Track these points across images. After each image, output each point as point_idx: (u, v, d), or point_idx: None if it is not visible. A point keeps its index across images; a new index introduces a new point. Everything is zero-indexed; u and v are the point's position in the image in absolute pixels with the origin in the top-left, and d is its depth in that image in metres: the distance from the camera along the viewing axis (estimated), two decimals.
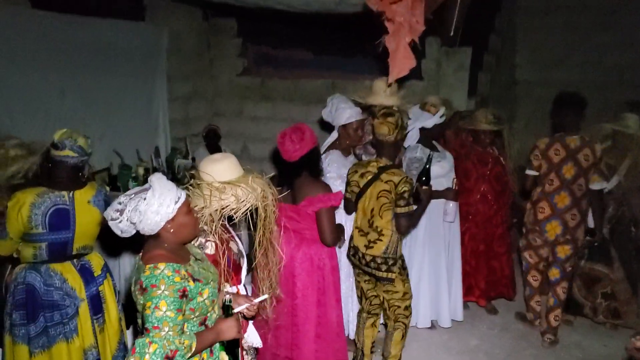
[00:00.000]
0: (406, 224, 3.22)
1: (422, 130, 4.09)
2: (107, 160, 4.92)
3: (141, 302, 1.98)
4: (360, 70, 6.18)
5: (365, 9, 3.41)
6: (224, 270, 2.46)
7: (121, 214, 2.02)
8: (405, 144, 4.02)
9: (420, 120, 4.07)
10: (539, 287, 4.37)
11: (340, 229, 3.37)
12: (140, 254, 2.12)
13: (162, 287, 1.92)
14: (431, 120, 4.03)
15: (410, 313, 3.48)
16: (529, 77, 7.32)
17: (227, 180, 2.46)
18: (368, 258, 3.33)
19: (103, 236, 3.15)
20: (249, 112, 6.76)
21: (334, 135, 3.90)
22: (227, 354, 2.28)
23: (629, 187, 4.18)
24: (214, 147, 5.79)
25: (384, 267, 3.29)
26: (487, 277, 4.53)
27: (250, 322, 2.69)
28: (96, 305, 3.08)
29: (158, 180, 2.06)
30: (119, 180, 4.75)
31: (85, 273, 3.05)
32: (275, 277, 2.77)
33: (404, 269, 3.38)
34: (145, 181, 4.76)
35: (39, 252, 2.89)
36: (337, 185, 3.60)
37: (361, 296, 3.60)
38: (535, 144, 4.10)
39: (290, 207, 3.17)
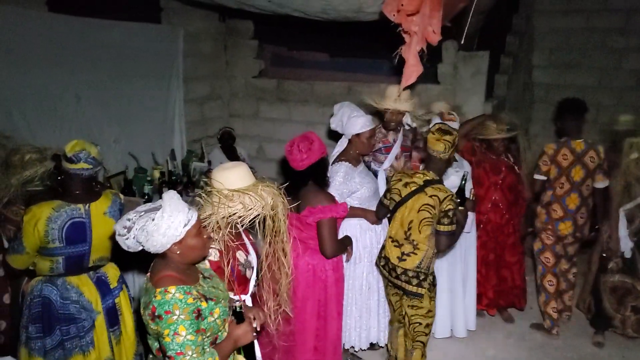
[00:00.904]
0: (447, 242, 3.17)
1: None
2: (122, 164, 4.94)
3: (153, 327, 1.97)
4: (377, 73, 6.18)
5: (383, 17, 3.40)
6: (226, 280, 2.46)
7: (128, 231, 1.99)
8: None
9: None
10: (555, 293, 4.37)
11: (345, 242, 3.35)
12: (149, 274, 2.11)
13: (177, 312, 1.92)
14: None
15: (430, 332, 3.42)
16: (546, 79, 7.24)
17: (236, 188, 2.47)
18: (399, 270, 3.26)
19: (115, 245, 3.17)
20: (264, 113, 6.76)
21: (343, 144, 3.74)
22: (246, 358, 2.32)
23: None
24: (229, 149, 5.80)
25: (414, 282, 3.23)
26: (497, 286, 4.50)
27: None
28: (112, 317, 3.10)
29: (169, 200, 2.02)
30: (135, 184, 4.77)
31: (102, 285, 3.06)
32: (284, 292, 2.75)
33: (433, 285, 3.31)
34: (160, 185, 4.81)
35: (55, 266, 2.90)
36: (345, 197, 3.53)
37: (389, 306, 3.59)
38: (543, 150, 4.26)
39: (296, 215, 3.16)
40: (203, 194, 2.51)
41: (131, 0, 5.38)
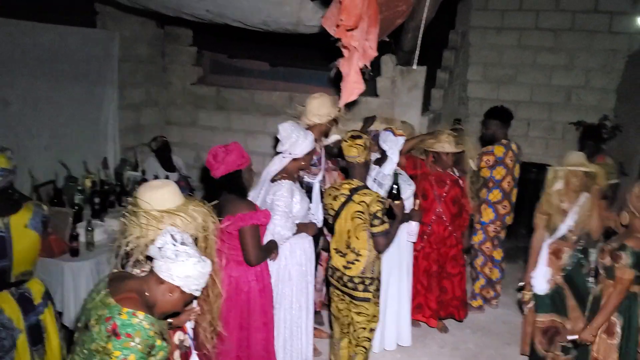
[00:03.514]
0: (384, 242, 3.25)
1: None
2: (52, 172, 4.73)
3: (102, 343, 1.87)
4: (318, 84, 6.18)
5: (323, 31, 3.41)
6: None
7: (173, 245, 2.02)
8: (387, 172, 4.05)
9: (397, 146, 4.09)
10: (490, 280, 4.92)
11: (270, 246, 3.34)
12: (108, 288, 2.02)
13: (137, 340, 1.85)
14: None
15: (373, 337, 3.49)
16: (480, 94, 7.46)
17: (166, 209, 2.37)
18: (346, 278, 3.36)
19: None
20: (203, 121, 6.66)
21: (281, 162, 3.59)
22: None
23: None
24: (165, 159, 5.64)
25: (361, 287, 3.32)
26: (438, 298, 4.58)
27: (194, 352, 2.64)
28: (36, 335, 2.96)
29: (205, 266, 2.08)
30: (65, 194, 4.59)
31: (25, 302, 2.92)
32: (216, 312, 2.69)
33: (377, 290, 3.40)
34: (92, 195, 4.63)
35: None
36: (290, 218, 3.49)
37: (333, 320, 3.62)
38: (491, 152, 4.83)
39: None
40: (129, 215, 2.37)
41: (65, 4, 5.19)
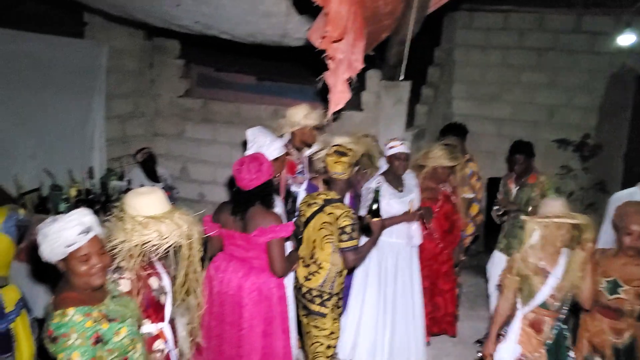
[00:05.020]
0: (353, 257, 3.23)
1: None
2: (37, 181, 4.74)
3: (52, 350, 1.90)
4: (303, 98, 6.22)
5: (309, 44, 3.47)
6: (140, 309, 2.40)
7: (38, 233, 1.98)
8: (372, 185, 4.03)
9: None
10: None
11: (293, 258, 3.40)
12: (53, 296, 2.05)
13: (74, 337, 1.86)
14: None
15: (333, 355, 3.44)
16: (465, 111, 7.53)
17: (152, 215, 2.41)
18: (304, 289, 3.35)
19: None
20: (189, 133, 6.68)
21: None
22: None
23: None
24: (150, 170, 5.65)
25: (317, 301, 3.31)
26: (431, 314, 4.54)
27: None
28: (5, 343, 2.93)
29: (69, 216, 2.00)
30: (50, 202, 4.60)
31: None
32: (196, 321, 2.71)
33: (337, 307, 3.37)
34: (77, 203, 4.64)
35: None
36: None
37: (301, 333, 3.58)
38: (472, 171, 4.86)
39: (241, 235, 3.17)
40: (114, 220, 2.42)
41: (53, 14, 5.22)
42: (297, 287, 3.43)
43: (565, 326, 3.15)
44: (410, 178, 4.23)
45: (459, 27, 7.47)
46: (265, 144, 3.61)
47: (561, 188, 6.77)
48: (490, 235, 4.99)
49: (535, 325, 3.10)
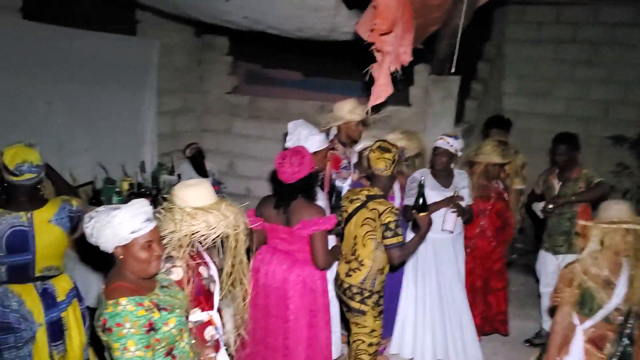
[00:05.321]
0: (398, 254, 3.18)
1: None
2: (91, 174, 4.89)
3: (104, 339, 1.94)
4: (350, 94, 6.21)
5: (357, 37, 3.46)
6: (190, 298, 2.44)
7: (90, 220, 2.02)
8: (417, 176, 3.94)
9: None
10: None
11: (335, 251, 3.39)
12: (104, 285, 2.09)
13: (128, 325, 1.89)
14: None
15: (375, 352, 3.40)
16: (515, 107, 7.37)
17: (200, 206, 2.45)
18: (345, 286, 3.33)
19: None
20: (237, 129, 6.77)
21: None
22: None
23: None
24: (198, 165, 5.75)
25: (357, 298, 3.28)
26: (483, 313, 4.47)
27: (223, 348, 2.68)
28: (56, 331, 2.99)
29: (133, 204, 2.04)
30: (103, 195, 4.72)
31: (47, 297, 2.96)
32: (242, 311, 2.74)
33: (378, 305, 3.33)
34: (129, 197, 4.76)
35: None
36: None
37: (348, 331, 3.57)
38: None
39: (284, 229, 3.19)
40: (164, 211, 2.47)
41: (107, 12, 5.36)
42: (338, 284, 3.41)
43: (628, 342, 2.82)
44: (461, 178, 4.12)
45: (510, 22, 7.33)
46: (304, 137, 3.61)
47: (616, 186, 6.57)
48: (538, 233, 4.84)
49: (596, 342, 2.84)
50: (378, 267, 3.26)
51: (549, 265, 4.50)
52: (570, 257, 4.15)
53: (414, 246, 3.32)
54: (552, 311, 3.05)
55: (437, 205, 3.88)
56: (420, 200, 3.27)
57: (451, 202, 3.83)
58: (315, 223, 3.10)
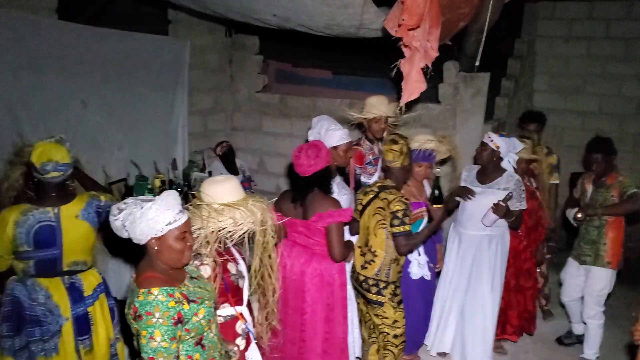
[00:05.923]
0: (404, 243, 3.20)
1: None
2: (124, 171, 5.01)
3: (135, 326, 2.00)
4: (379, 91, 6.21)
5: (385, 34, 3.48)
6: (218, 293, 2.47)
7: (119, 213, 2.06)
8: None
9: (512, 149, 3.99)
10: None
11: (349, 245, 3.41)
12: (134, 275, 2.14)
13: (157, 315, 1.94)
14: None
15: (402, 343, 3.39)
16: (547, 104, 7.27)
17: (226, 203, 2.48)
18: (361, 278, 3.36)
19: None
20: (267, 127, 6.84)
21: None
22: None
23: None
24: (229, 163, 5.83)
25: (374, 289, 3.32)
26: (520, 313, 4.40)
27: (254, 341, 2.72)
28: (82, 326, 3.02)
29: (167, 196, 2.08)
30: (135, 192, 4.82)
31: (74, 292, 2.99)
32: (272, 306, 2.76)
33: (395, 295, 3.34)
34: (161, 193, 4.84)
35: (27, 269, 2.88)
36: None
37: (361, 320, 3.60)
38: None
39: (301, 222, 3.23)
40: (192, 207, 2.50)
41: (140, 12, 5.48)
42: (355, 276, 3.44)
43: None
44: (509, 180, 3.89)
45: (541, 18, 7.23)
46: (325, 131, 3.63)
47: None
48: (570, 240, 4.74)
49: None
50: (392, 257, 3.28)
51: (574, 276, 4.38)
52: (597, 270, 4.14)
53: (423, 237, 3.35)
54: (633, 348, 2.78)
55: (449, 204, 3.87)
56: (436, 192, 3.34)
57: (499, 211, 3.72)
58: (330, 215, 3.13)
